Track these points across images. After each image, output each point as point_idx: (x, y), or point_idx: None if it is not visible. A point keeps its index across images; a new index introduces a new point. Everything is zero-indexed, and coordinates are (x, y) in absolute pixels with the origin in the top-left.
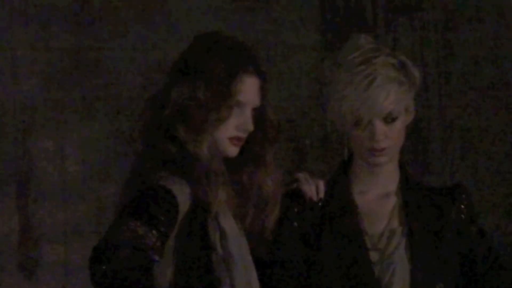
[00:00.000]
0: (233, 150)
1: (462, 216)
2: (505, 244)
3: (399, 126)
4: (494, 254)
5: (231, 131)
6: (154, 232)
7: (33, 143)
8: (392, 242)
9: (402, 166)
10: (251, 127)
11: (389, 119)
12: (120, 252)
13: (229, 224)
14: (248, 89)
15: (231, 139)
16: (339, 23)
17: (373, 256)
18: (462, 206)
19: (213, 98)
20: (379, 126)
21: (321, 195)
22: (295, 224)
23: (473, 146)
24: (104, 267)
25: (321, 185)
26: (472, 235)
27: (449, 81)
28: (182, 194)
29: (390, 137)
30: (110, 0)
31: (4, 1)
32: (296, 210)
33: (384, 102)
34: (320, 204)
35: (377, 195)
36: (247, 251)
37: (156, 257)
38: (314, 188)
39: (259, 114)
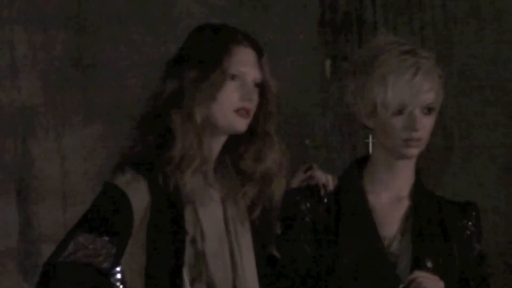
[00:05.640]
0: (241, 123)
1: (468, 232)
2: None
3: (433, 119)
4: (485, 283)
5: (235, 102)
6: (103, 238)
7: (33, 143)
8: (403, 248)
9: (417, 172)
10: (255, 96)
11: (427, 110)
12: (61, 272)
13: (209, 218)
14: (242, 60)
15: (238, 111)
16: (339, 23)
17: (390, 258)
18: (470, 223)
19: (203, 73)
20: (419, 115)
21: (331, 188)
22: (307, 219)
23: (473, 146)
24: None
25: (330, 178)
26: (472, 255)
27: (449, 81)
28: (138, 191)
29: (426, 129)
30: (110, 0)
31: (4, 1)
32: (308, 205)
33: (428, 92)
34: (327, 200)
35: (390, 197)
36: (242, 247)
37: (106, 265)
38: (325, 178)
39: (261, 90)
